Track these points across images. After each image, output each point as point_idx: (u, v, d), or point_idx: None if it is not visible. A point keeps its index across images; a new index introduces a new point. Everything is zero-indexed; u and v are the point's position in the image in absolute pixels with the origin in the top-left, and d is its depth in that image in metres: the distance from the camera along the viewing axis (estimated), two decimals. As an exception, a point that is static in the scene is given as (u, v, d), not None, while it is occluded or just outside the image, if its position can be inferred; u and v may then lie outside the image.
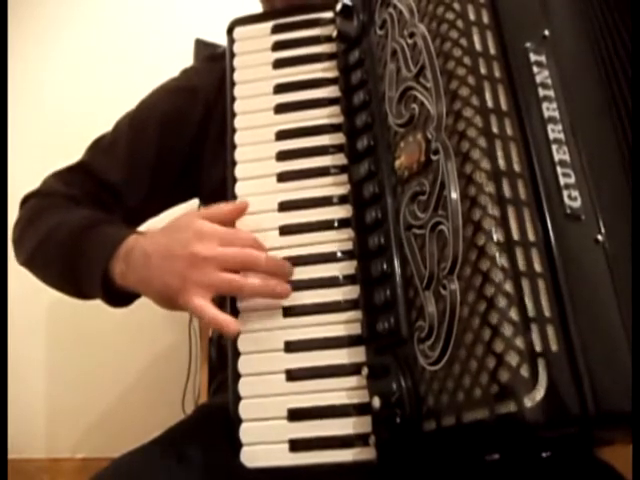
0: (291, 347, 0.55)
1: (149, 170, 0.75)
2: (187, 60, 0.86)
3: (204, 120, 0.75)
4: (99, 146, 0.77)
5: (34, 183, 0.76)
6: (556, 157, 0.46)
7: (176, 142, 0.75)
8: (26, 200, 0.75)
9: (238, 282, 0.55)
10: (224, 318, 0.54)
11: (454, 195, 0.45)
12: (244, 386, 0.55)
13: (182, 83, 0.80)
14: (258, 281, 0.55)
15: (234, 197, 0.61)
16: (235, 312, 0.57)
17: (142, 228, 0.75)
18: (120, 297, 0.65)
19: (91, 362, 1.45)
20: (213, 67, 0.78)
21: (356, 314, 0.54)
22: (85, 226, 0.66)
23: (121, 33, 1.60)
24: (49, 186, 0.76)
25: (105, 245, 0.63)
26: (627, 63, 0.51)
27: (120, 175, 0.74)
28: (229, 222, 0.59)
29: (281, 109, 0.63)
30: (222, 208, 0.59)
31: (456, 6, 0.49)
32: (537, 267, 0.43)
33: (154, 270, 0.57)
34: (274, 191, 0.60)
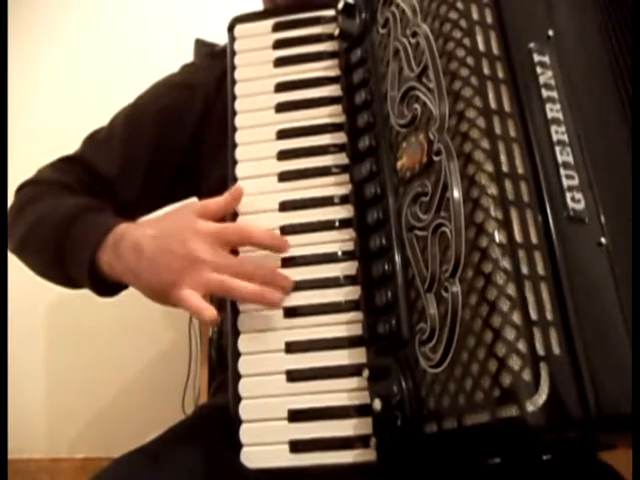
0: (292, 348, 0.55)
1: (143, 165, 0.74)
2: (187, 60, 0.86)
3: (202, 118, 0.75)
4: (95, 139, 0.77)
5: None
6: (559, 159, 0.46)
7: (172, 139, 0.75)
8: (21, 189, 0.75)
9: (229, 284, 0.54)
10: (203, 305, 0.54)
11: (456, 197, 0.45)
12: (244, 387, 0.55)
13: (181, 79, 0.79)
14: (250, 286, 0.54)
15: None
16: (235, 312, 0.57)
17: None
18: (107, 286, 0.64)
19: (91, 362, 1.45)
20: (213, 64, 0.77)
21: (357, 315, 0.54)
22: (75, 214, 0.65)
23: (121, 33, 1.60)
24: (43, 175, 0.75)
25: (94, 232, 0.62)
26: (631, 63, 0.51)
27: (113, 169, 0.73)
28: (227, 213, 0.59)
29: (282, 108, 0.63)
30: (218, 201, 0.58)
31: (459, 5, 0.49)
32: (540, 270, 0.42)
33: (146, 264, 0.56)
34: (275, 191, 0.60)
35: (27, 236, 0.69)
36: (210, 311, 0.54)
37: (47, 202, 0.70)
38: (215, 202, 0.58)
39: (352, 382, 0.52)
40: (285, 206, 0.59)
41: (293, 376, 0.54)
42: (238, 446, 0.53)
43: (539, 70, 0.48)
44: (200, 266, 0.54)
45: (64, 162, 0.76)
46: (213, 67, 0.76)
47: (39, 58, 1.62)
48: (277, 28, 0.66)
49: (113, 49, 1.59)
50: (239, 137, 0.63)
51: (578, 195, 0.45)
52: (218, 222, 0.58)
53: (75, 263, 0.63)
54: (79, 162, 0.75)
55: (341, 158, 0.59)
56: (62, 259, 0.65)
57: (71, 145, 0.77)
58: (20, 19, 1.57)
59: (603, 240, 0.45)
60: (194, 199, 0.80)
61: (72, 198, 0.70)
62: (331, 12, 0.64)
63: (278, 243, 0.57)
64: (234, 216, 0.60)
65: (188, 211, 0.58)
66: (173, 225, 0.57)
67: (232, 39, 0.67)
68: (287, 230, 0.58)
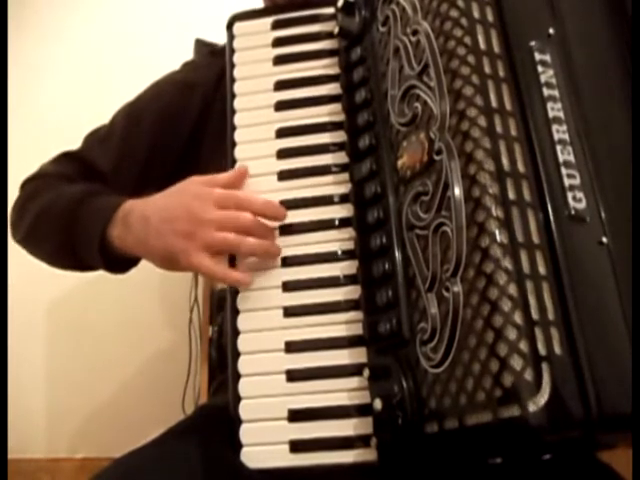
0: (291, 347, 0.55)
1: (139, 162, 0.75)
2: (187, 60, 0.86)
3: (201, 116, 0.75)
4: (95, 136, 0.77)
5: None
6: (561, 158, 0.45)
7: (171, 137, 0.75)
8: (24, 185, 0.76)
9: (236, 240, 0.56)
10: (236, 274, 0.57)
11: (458, 196, 0.45)
12: (244, 386, 0.55)
13: (181, 77, 0.79)
14: (254, 240, 0.56)
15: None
16: (235, 312, 0.57)
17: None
18: (119, 262, 0.65)
19: (91, 362, 1.45)
20: (213, 62, 0.77)
21: (357, 315, 0.54)
22: (81, 198, 0.67)
23: (121, 33, 1.59)
24: (44, 169, 0.76)
25: (102, 210, 0.64)
26: (631, 63, 0.50)
27: (109, 164, 0.74)
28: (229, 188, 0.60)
29: (281, 106, 0.63)
30: (222, 175, 0.60)
31: (460, 4, 0.49)
32: (541, 269, 0.42)
33: (153, 232, 0.58)
34: (274, 189, 0.60)
35: (35, 224, 0.70)
36: (246, 278, 0.57)
37: (51, 192, 0.71)
38: (221, 176, 0.60)
39: (352, 382, 0.52)
40: (285, 205, 0.59)
41: (293, 376, 0.54)
42: (238, 446, 0.53)
43: (540, 69, 0.48)
44: (206, 227, 0.56)
45: (64, 157, 0.77)
46: (213, 65, 0.76)
47: (40, 58, 1.61)
48: (276, 26, 0.66)
49: (114, 49, 1.59)
50: (238, 135, 0.63)
51: (579, 194, 0.45)
52: None
53: (85, 241, 0.64)
54: (78, 157, 0.76)
55: (341, 157, 0.59)
56: (72, 240, 0.66)
57: (74, 145, 0.78)
58: (22, 20, 1.57)
59: (604, 239, 0.44)
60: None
61: (75, 185, 0.71)
62: (331, 10, 0.64)
63: (276, 212, 0.58)
64: None
65: (194, 181, 0.60)
66: (178, 194, 0.60)
67: (231, 37, 0.66)
68: (287, 229, 0.58)
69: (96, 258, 0.64)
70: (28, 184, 0.75)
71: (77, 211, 0.66)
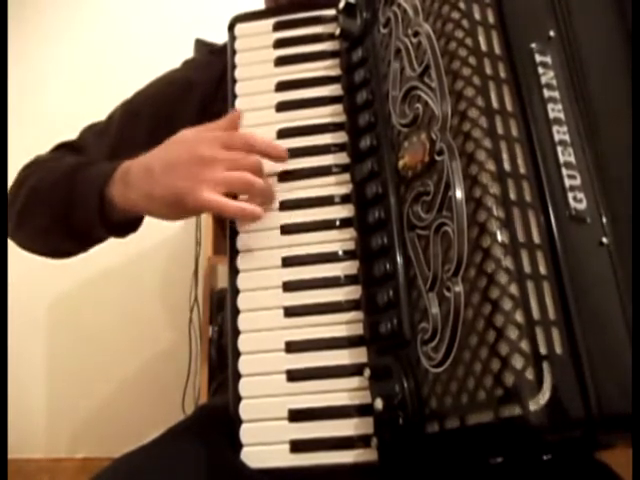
0: (292, 347, 0.55)
1: (135, 154, 0.74)
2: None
3: (199, 115, 0.74)
4: (92, 130, 0.77)
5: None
6: (561, 159, 0.46)
7: (167, 135, 0.75)
8: (17, 176, 0.74)
9: (252, 178, 0.56)
10: (249, 206, 0.56)
11: (459, 196, 0.45)
12: (244, 386, 0.54)
13: (180, 76, 0.79)
14: (263, 182, 0.56)
15: (234, 196, 0.61)
16: (235, 312, 0.57)
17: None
18: (120, 224, 0.64)
19: (91, 362, 1.45)
20: (213, 61, 0.77)
21: (358, 315, 0.54)
22: (75, 168, 0.65)
23: (121, 33, 1.60)
24: (38, 157, 0.76)
25: (99, 175, 0.62)
26: (631, 63, 0.51)
27: (103, 155, 0.73)
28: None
29: (283, 107, 0.63)
30: (218, 123, 0.60)
31: (461, 5, 0.49)
32: (542, 269, 0.42)
33: (159, 179, 0.57)
34: (275, 190, 0.60)
35: (28, 200, 0.68)
36: (259, 210, 0.56)
37: (43, 169, 0.70)
38: (218, 122, 0.60)
39: (353, 382, 0.52)
40: (285, 205, 0.59)
41: (293, 376, 0.54)
42: (238, 446, 0.53)
43: (541, 70, 0.48)
44: (211, 164, 0.55)
45: (60, 147, 0.77)
46: (213, 65, 0.76)
47: (42, 58, 1.62)
48: (278, 27, 0.66)
49: (115, 49, 1.59)
50: (240, 136, 0.63)
51: (580, 195, 0.45)
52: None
53: (83, 205, 0.62)
54: (73, 148, 0.75)
55: (342, 157, 0.59)
56: (68, 207, 0.63)
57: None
58: (24, 20, 1.57)
59: (605, 240, 0.45)
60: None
61: (68, 158, 0.70)
62: (332, 11, 0.64)
63: (278, 152, 0.59)
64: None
65: (191, 129, 0.60)
66: (180, 142, 0.59)
67: (232, 38, 0.67)
68: (288, 229, 0.58)
69: (95, 221, 0.62)
70: (21, 172, 0.74)
71: (72, 178, 0.64)
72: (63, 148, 0.76)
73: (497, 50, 0.48)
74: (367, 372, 0.51)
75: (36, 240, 0.71)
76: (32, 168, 0.73)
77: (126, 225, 0.65)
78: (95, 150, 0.74)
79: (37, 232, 0.70)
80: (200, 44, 1.20)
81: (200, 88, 0.75)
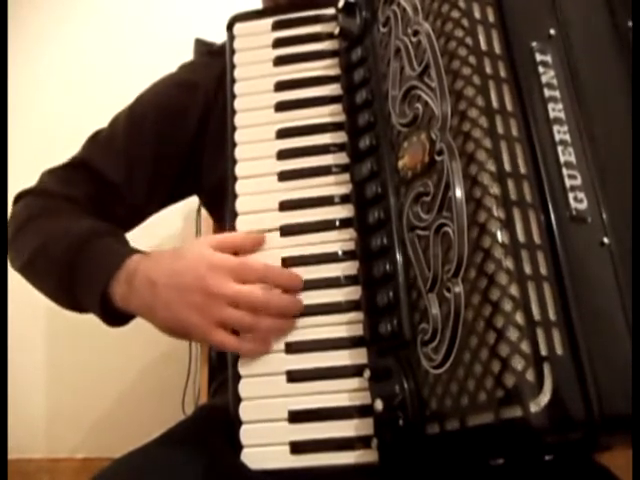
0: (292, 348, 0.55)
1: (148, 167, 0.74)
2: (187, 59, 0.86)
3: (204, 116, 0.74)
4: (97, 141, 0.76)
5: (32, 183, 0.76)
6: (562, 158, 0.45)
7: (175, 137, 0.74)
8: (20, 197, 0.73)
9: (252, 322, 0.54)
10: (263, 347, 0.55)
11: (459, 196, 0.45)
12: (245, 387, 0.54)
13: (180, 78, 0.79)
14: (269, 321, 0.54)
15: (234, 195, 0.60)
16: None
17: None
18: (119, 317, 0.63)
19: (91, 362, 1.45)
20: (211, 62, 0.77)
21: (358, 315, 0.54)
22: (84, 240, 0.64)
23: (121, 33, 1.60)
24: (46, 184, 0.74)
25: (105, 263, 0.61)
26: (632, 62, 0.50)
27: (119, 174, 0.73)
28: (241, 251, 0.57)
29: (282, 107, 0.63)
30: (235, 236, 0.58)
31: (461, 4, 0.49)
32: (542, 270, 0.42)
33: (161, 299, 0.56)
34: (275, 190, 0.60)
35: (33, 259, 0.67)
36: (263, 348, 0.55)
37: (53, 221, 0.68)
38: (232, 237, 0.58)
39: (353, 383, 0.52)
40: (285, 206, 0.59)
41: (293, 376, 0.54)
42: (238, 447, 0.53)
43: (541, 69, 0.48)
44: (220, 301, 0.54)
45: (67, 169, 0.74)
46: (212, 66, 0.76)
47: (38, 58, 1.62)
48: (277, 27, 0.66)
49: (112, 49, 1.59)
50: (238, 136, 0.63)
51: (580, 195, 0.45)
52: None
53: (87, 292, 0.62)
54: (84, 168, 0.74)
55: (341, 157, 0.59)
56: (72, 287, 0.63)
57: (72, 143, 0.77)
58: (20, 19, 1.57)
59: (605, 240, 0.44)
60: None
61: (79, 219, 0.68)
62: (331, 10, 0.64)
63: (293, 284, 0.56)
64: (233, 215, 0.60)
65: (203, 244, 0.57)
66: (188, 259, 0.56)
67: (231, 38, 0.66)
68: (287, 230, 0.58)
69: (96, 311, 0.63)
70: (25, 198, 0.73)
71: (79, 259, 0.62)
72: (71, 169, 0.74)
73: (497, 49, 0.48)
74: (367, 373, 0.51)
75: (44, 294, 0.71)
76: (38, 203, 0.71)
77: (127, 318, 0.64)
78: (109, 168, 0.73)
79: (42, 292, 0.70)
80: (200, 44, 1.19)
81: (202, 88, 0.75)
